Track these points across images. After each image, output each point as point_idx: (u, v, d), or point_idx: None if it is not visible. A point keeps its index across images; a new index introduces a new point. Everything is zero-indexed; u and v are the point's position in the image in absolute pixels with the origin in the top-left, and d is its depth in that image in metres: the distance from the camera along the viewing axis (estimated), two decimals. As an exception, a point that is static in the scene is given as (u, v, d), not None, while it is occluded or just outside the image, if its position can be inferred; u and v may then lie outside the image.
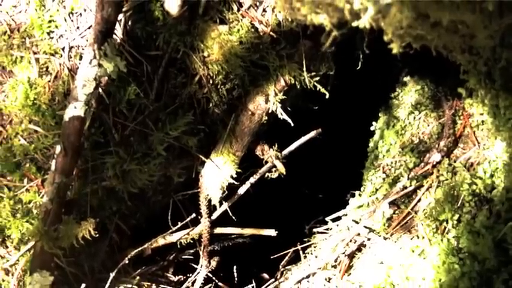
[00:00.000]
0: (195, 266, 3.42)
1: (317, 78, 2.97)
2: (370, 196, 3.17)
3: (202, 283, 3.36)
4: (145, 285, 3.31)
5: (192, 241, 3.36)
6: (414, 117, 3.21)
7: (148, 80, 2.88)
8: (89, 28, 2.83)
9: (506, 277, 2.30)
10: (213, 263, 3.37)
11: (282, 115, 3.01)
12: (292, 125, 3.02)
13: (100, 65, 2.57)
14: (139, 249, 3.21)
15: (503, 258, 2.36)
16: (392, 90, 3.47)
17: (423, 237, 2.75)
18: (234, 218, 3.26)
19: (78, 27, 2.86)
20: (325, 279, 3.05)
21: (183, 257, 3.55)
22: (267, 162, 3.19)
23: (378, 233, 2.97)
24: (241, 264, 3.46)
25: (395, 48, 1.63)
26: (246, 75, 2.97)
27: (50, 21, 2.85)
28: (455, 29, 1.77)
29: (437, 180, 2.91)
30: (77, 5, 2.84)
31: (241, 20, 2.86)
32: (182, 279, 3.47)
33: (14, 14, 2.89)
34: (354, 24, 1.53)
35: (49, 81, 2.85)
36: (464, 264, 2.47)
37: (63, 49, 2.85)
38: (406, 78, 3.40)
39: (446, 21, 1.62)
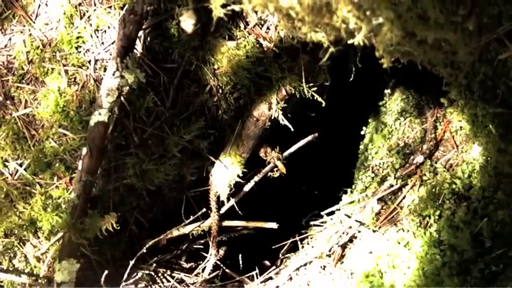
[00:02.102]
0: (205, 254, 3.41)
1: (314, 89, 2.95)
2: (360, 193, 3.16)
3: (211, 270, 3.35)
4: (161, 272, 3.30)
5: (202, 233, 3.35)
6: (400, 123, 3.20)
7: (165, 89, 2.87)
8: (112, 43, 2.82)
9: (482, 267, 2.29)
10: (221, 252, 3.36)
11: (283, 121, 3.00)
12: (292, 129, 3.01)
13: (122, 76, 2.57)
14: (156, 239, 3.20)
15: (479, 250, 2.35)
16: (381, 99, 3.46)
17: (408, 230, 2.74)
18: (240, 212, 3.25)
19: (103, 43, 2.85)
20: (321, 267, 3.04)
21: (195, 246, 3.54)
22: (269, 162, 3.18)
23: (368, 226, 2.96)
24: (246, 253, 3.45)
25: (385, 62, 1.62)
26: (252, 85, 2.96)
27: (78, 37, 2.85)
28: (439, 46, 1.76)
29: (420, 179, 2.90)
30: (102, 23, 2.83)
31: (248, 36, 2.85)
32: (193, 266, 3.46)
33: (46, 30, 2.89)
34: (349, 41, 1.52)
35: (77, 90, 2.84)
36: (445, 255, 2.46)
37: (89, 62, 2.85)
38: (393, 89, 3.38)
39: (431, 39, 1.61)
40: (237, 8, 1.49)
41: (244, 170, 3.13)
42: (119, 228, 2.74)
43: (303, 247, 3.31)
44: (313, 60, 2.91)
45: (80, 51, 2.86)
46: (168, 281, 3.28)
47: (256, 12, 1.99)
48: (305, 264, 3.12)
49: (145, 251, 3.14)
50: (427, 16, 1.51)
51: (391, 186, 2.98)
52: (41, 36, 2.88)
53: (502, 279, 2.13)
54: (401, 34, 1.50)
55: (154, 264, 3.29)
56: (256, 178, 3.23)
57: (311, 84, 2.95)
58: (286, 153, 3.18)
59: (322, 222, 3.27)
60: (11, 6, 2.92)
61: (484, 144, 2.30)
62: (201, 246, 3.52)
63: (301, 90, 2.95)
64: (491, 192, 2.41)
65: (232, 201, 3.24)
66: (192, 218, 3.21)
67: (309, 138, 3.15)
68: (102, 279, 2.82)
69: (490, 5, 1.66)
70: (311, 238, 3.31)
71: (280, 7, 1.41)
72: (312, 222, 3.35)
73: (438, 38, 1.66)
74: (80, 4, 2.85)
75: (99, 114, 2.59)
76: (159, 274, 3.29)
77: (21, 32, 2.91)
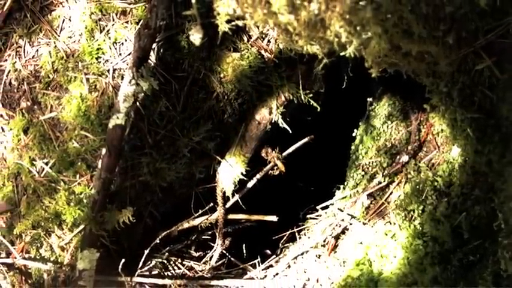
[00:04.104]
0: (212, 244, 3.40)
1: (311, 95, 2.95)
2: (352, 189, 3.16)
3: (217, 258, 3.35)
4: (173, 260, 3.30)
5: (210, 225, 3.34)
6: (387, 126, 3.19)
7: (176, 96, 2.87)
8: (129, 54, 2.82)
9: (461, 256, 2.29)
10: (227, 242, 3.36)
11: (283, 124, 3.00)
12: (290, 132, 3.01)
13: (137, 84, 2.57)
14: (168, 231, 3.20)
15: (458, 242, 2.35)
16: (370, 104, 3.45)
17: (394, 223, 2.73)
18: (243, 206, 3.25)
19: (120, 54, 2.85)
20: (316, 256, 3.03)
21: (203, 237, 3.53)
22: (270, 162, 3.18)
23: (358, 219, 2.96)
24: (249, 243, 3.45)
25: (374, 72, 1.63)
26: (254, 92, 2.96)
27: (98, 49, 2.85)
28: (422, 57, 1.76)
29: (405, 177, 2.89)
30: (120, 36, 2.83)
31: (250, 48, 2.84)
32: (202, 255, 3.45)
33: (69, 43, 2.89)
34: (341, 53, 1.52)
35: (97, 96, 2.84)
36: (428, 245, 2.46)
37: (108, 71, 2.84)
38: (381, 95, 3.37)
39: (415, 51, 1.61)
40: (240, 23, 1.49)
41: (248, 169, 3.12)
42: (134, 221, 2.74)
43: (300, 238, 3.30)
44: (309, 69, 2.90)
45: (99, 62, 2.86)
46: (179, 268, 3.28)
47: (257, 26, 1.99)
48: (302, 254, 3.11)
49: (158, 241, 3.14)
50: (411, 31, 1.51)
51: (380, 183, 2.98)
52: (65, 48, 2.88)
53: (479, 268, 2.13)
54: (388, 47, 1.49)
55: (167, 253, 3.29)
56: (258, 176, 3.22)
57: (307, 91, 2.95)
58: (285, 154, 3.18)
59: (317, 216, 3.27)
60: (38, 21, 2.93)
61: (463, 146, 2.29)
62: (209, 237, 3.51)
63: (298, 96, 2.95)
64: (469, 189, 2.40)
65: (237, 197, 3.24)
66: (200, 211, 3.22)
67: (306, 139, 3.15)
68: (120, 266, 2.82)
69: (467, 21, 1.66)
70: (307, 230, 3.31)
71: (279, 22, 1.41)
72: (308, 216, 3.35)
73: (421, 51, 1.66)
74: (99, 19, 2.86)
75: (117, 118, 2.59)
76: (171, 262, 3.29)
77: (47, 44, 2.91)
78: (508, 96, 1.79)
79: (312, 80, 2.99)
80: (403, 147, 3.05)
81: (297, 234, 3.35)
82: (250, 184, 3.24)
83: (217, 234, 3.35)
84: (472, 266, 2.21)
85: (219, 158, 3.10)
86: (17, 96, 2.95)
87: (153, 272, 3.17)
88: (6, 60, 2.96)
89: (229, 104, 2.97)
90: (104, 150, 2.63)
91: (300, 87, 2.93)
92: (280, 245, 3.42)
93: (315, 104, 2.99)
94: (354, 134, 3.53)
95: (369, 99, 3.37)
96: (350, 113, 3.61)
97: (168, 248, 3.33)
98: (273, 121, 3.01)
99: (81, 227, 2.79)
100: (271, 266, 3.23)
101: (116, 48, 2.86)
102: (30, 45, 2.95)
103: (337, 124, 3.75)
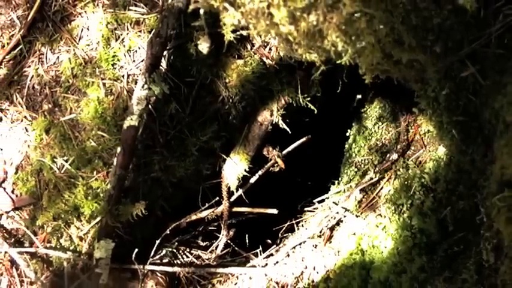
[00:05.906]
0: (218, 235, 3.40)
1: (308, 99, 2.95)
2: (345, 184, 3.15)
3: (223, 247, 3.35)
4: (182, 249, 3.29)
5: (215, 217, 3.33)
6: (378, 127, 3.18)
7: (185, 99, 2.86)
8: (142, 61, 2.81)
9: (446, 247, 2.27)
10: (231, 233, 3.35)
11: (283, 125, 3.00)
12: (290, 132, 3.01)
13: (150, 88, 2.57)
14: (178, 223, 3.20)
15: (444, 233, 2.34)
16: (362, 106, 3.45)
17: (385, 216, 2.72)
18: (246, 200, 3.24)
19: (134, 60, 2.84)
20: (313, 246, 3.02)
21: (209, 228, 3.53)
22: (271, 159, 3.18)
23: (352, 212, 2.95)
24: (251, 233, 3.44)
25: (367, 78, 1.62)
26: (257, 96, 2.96)
27: (113, 56, 2.84)
28: (411, 65, 1.75)
29: (395, 173, 2.88)
30: (134, 44, 2.83)
31: (253, 56, 2.84)
32: (208, 244, 3.44)
33: (87, 50, 2.88)
34: (338, 61, 1.50)
35: (112, 99, 2.83)
36: (415, 237, 2.44)
37: (123, 76, 2.84)
38: (373, 98, 3.37)
39: (405, 59, 1.60)
40: (244, 32, 1.47)
41: (250, 166, 3.12)
42: (146, 213, 2.75)
43: (298, 229, 3.30)
44: (307, 75, 2.90)
45: (115, 68, 2.85)
46: (188, 256, 3.27)
47: (260, 36, 1.98)
48: (300, 244, 3.10)
49: (168, 232, 3.14)
50: (402, 41, 1.50)
51: (371, 179, 2.97)
52: (83, 55, 2.88)
53: (463, 258, 2.11)
54: (380, 55, 1.48)
55: (176, 243, 3.28)
56: (260, 172, 3.22)
57: (305, 95, 2.95)
58: (284, 152, 3.18)
59: (314, 208, 3.26)
60: (59, 30, 2.92)
61: (448, 146, 2.28)
62: (215, 228, 3.51)
63: (297, 100, 2.95)
64: (453, 186, 2.38)
65: (240, 191, 3.23)
66: (207, 205, 3.22)
67: (303, 139, 3.15)
68: (133, 255, 2.82)
69: (454, 31, 1.65)
70: (305, 221, 3.30)
71: (280, 32, 1.40)
72: (305, 208, 3.35)
73: (411, 59, 1.65)
74: (115, 29, 2.85)
75: (131, 119, 2.58)
76: (180, 251, 3.28)
77: (67, 52, 2.90)
78: (490, 101, 1.78)
79: (309, 85, 2.98)
80: (393, 146, 3.04)
81: (295, 225, 3.34)
82: (252, 180, 3.24)
83: (222, 225, 3.34)
84: (457, 256, 2.19)
85: (224, 156, 3.09)
86: (39, 99, 2.94)
87: (164, 261, 3.16)
88: (29, 66, 2.95)
89: (233, 107, 2.96)
90: (119, 149, 2.62)
91: (299, 92, 2.92)
92: (280, 235, 3.41)
93: (312, 107, 2.98)
94: (347, 134, 3.53)
95: (367, 101, 3.36)
96: (344, 114, 3.61)
97: (177, 238, 3.32)
98: (273, 122, 3.01)
99: (98, 219, 2.78)
100: (271, 254, 3.22)
101: (130, 56, 2.85)
102: (51, 52, 2.94)
103: (333, 125, 3.75)
